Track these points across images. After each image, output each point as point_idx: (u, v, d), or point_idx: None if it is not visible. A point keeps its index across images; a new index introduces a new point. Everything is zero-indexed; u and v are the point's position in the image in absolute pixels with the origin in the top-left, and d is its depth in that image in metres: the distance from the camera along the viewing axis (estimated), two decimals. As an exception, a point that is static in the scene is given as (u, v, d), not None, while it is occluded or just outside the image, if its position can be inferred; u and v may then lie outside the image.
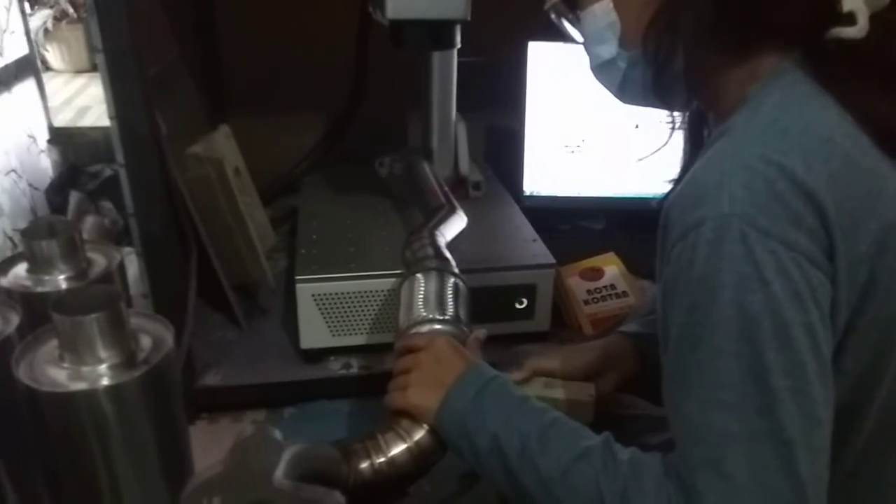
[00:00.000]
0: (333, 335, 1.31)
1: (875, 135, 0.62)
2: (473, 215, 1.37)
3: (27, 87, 1.94)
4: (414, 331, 0.90)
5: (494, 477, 0.72)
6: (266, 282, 1.46)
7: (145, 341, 0.61)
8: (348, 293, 1.28)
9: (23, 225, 1.66)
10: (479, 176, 1.66)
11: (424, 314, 0.93)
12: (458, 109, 1.61)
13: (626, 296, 1.49)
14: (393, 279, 1.28)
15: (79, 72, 3.44)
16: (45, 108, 2.05)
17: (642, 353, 0.90)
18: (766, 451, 0.56)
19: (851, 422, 0.63)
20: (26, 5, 2.06)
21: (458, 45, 1.38)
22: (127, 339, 0.59)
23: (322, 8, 1.73)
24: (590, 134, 1.67)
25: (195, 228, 1.29)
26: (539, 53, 1.62)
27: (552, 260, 1.37)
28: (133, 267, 1.14)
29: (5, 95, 1.79)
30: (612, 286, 1.50)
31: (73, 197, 1.80)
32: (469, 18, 1.22)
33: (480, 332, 0.90)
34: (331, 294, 1.28)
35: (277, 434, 0.59)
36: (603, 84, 0.81)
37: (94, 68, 3.21)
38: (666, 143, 0.80)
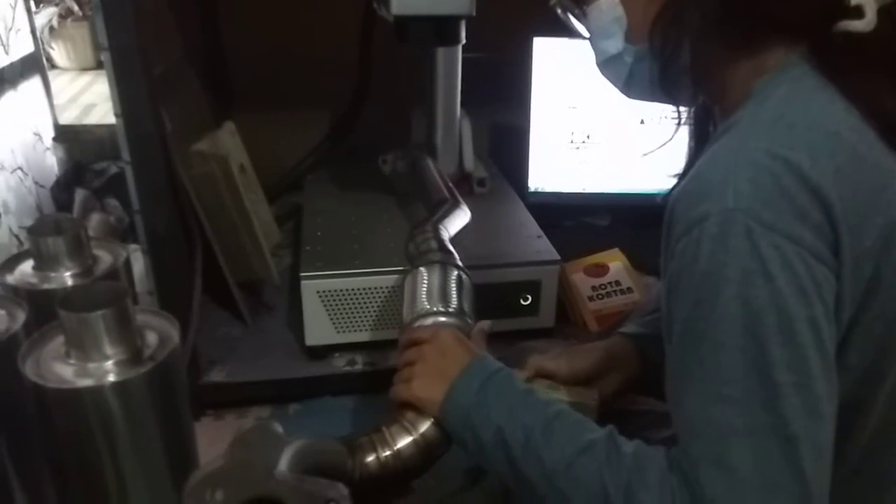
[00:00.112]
0: (338, 332, 1.32)
1: (881, 129, 0.62)
2: (478, 212, 1.37)
3: (33, 84, 1.94)
4: (418, 324, 0.90)
5: (498, 469, 0.72)
6: (271, 279, 1.46)
7: (151, 338, 0.62)
8: (353, 290, 1.29)
9: (29, 222, 1.67)
10: (483, 172, 1.66)
11: (428, 307, 0.93)
12: (463, 106, 1.61)
13: (630, 292, 1.49)
14: (397, 276, 1.28)
15: (84, 69, 3.44)
16: (51, 105, 2.05)
17: (644, 354, 0.90)
18: (770, 445, 0.56)
19: (855, 418, 0.63)
20: (32, 3, 2.06)
21: (463, 41, 1.38)
22: (133, 336, 0.59)
23: (326, 5, 1.73)
24: (595, 130, 1.66)
25: (200, 225, 1.29)
26: (544, 49, 1.61)
27: (557, 256, 1.37)
28: (139, 264, 1.14)
29: (11, 93, 1.80)
30: (617, 282, 1.50)
31: (79, 194, 1.80)
32: (474, 14, 1.22)
33: (485, 324, 0.90)
34: (335, 291, 1.28)
35: (277, 427, 0.59)
36: (609, 79, 0.81)
37: (99, 66, 3.21)
38: (671, 138, 0.80)
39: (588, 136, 1.67)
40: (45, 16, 3.20)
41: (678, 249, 0.61)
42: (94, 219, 1.73)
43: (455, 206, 1.30)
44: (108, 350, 0.57)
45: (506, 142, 1.90)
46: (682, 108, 0.80)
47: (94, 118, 2.74)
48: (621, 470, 0.63)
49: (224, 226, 1.36)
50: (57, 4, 3.27)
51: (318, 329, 1.31)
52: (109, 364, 0.57)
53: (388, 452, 0.76)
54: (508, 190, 1.67)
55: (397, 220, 1.48)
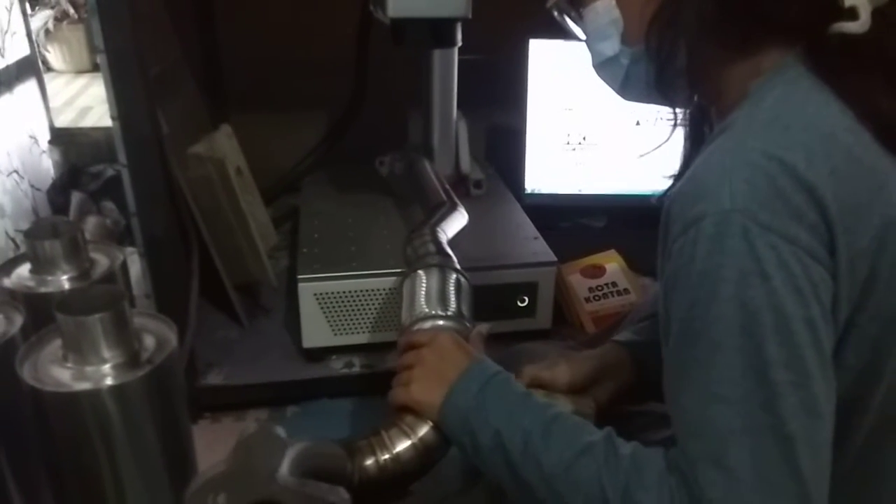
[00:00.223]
0: (335, 334, 1.32)
1: (876, 130, 0.62)
2: (474, 213, 1.38)
3: (28, 87, 1.94)
4: (417, 327, 0.90)
5: (497, 472, 0.72)
6: (268, 281, 1.46)
7: (148, 341, 0.61)
8: (350, 292, 1.29)
9: (25, 226, 1.67)
10: (480, 174, 1.66)
11: (427, 310, 0.93)
12: (459, 107, 1.61)
13: (627, 293, 1.49)
14: (395, 278, 1.28)
15: (80, 72, 3.44)
16: (47, 108, 2.05)
17: (638, 362, 0.90)
18: (768, 445, 0.56)
19: (852, 416, 0.64)
20: (27, 6, 2.06)
21: (459, 44, 1.38)
22: (130, 339, 0.59)
23: (323, 7, 1.73)
24: (591, 131, 1.67)
25: (197, 228, 1.29)
26: (540, 51, 1.62)
27: (553, 258, 1.37)
28: (135, 267, 1.14)
29: (7, 96, 1.79)
30: (614, 283, 1.50)
31: (75, 197, 1.80)
32: (470, 16, 1.22)
33: (483, 327, 0.90)
34: (333, 293, 1.28)
35: (281, 431, 0.59)
36: (605, 81, 0.81)
37: (95, 69, 3.21)
38: (667, 139, 0.80)
39: (584, 138, 1.67)
40: (41, 18, 3.20)
41: (675, 250, 0.61)
42: (91, 222, 1.73)
43: (452, 208, 1.30)
44: (106, 353, 0.57)
45: (502, 143, 1.90)
46: (678, 110, 0.80)
47: (90, 121, 2.74)
48: (619, 471, 0.63)
49: (221, 228, 1.36)
50: (52, 7, 3.27)
51: (316, 331, 1.31)
52: (107, 367, 0.57)
53: (386, 456, 0.76)
54: (505, 191, 1.67)
55: (394, 222, 1.49)
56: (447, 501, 0.96)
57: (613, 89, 0.80)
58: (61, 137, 2.07)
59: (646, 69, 0.73)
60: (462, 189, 1.60)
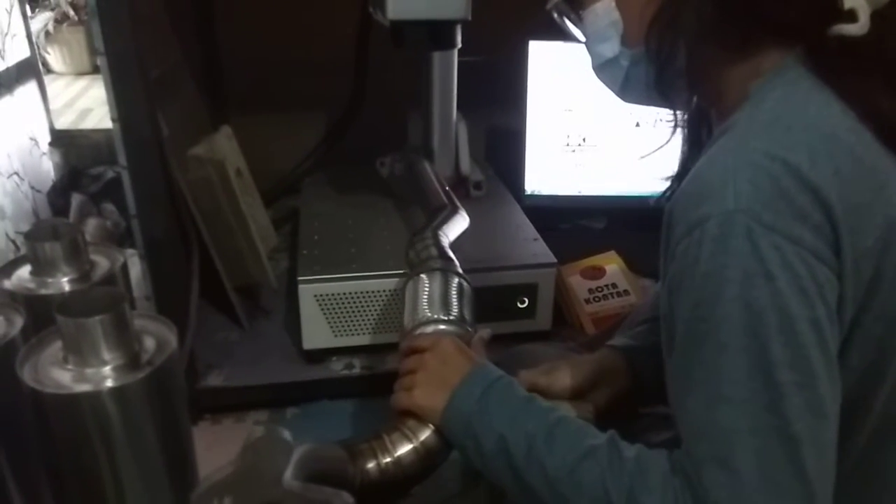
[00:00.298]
0: (336, 335, 1.32)
1: (878, 131, 0.62)
2: (474, 215, 1.38)
3: (29, 89, 1.94)
4: (419, 331, 0.90)
5: (500, 477, 0.72)
6: (268, 282, 1.46)
7: (149, 343, 0.61)
8: (350, 293, 1.29)
9: (25, 227, 1.67)
10: (479, 175, 1.66)
11: (429, 314, 0.93)
12: (459, 109, 1.61)
13: (627, 294, 1.49)
14: (395, 279, 1.28)
15: (80, 74, 3.44)
16: (47, 110, 2.05)
17: (634, 367, 0.90)
18: (773, 446, 0.56)
19: (855, 417, 0.63)
20: (28, 8, 2.06)
21: (459, 45, 1.38)
22: (130, 341, 0.59)
23: (322, 8, 1.73)
24: (590, 133, 1.67)
25: (197, 230, 1.29)
26: (540, 52, 1.62)
27: (553, 259, 1.37)
28: (136, 268, 1.14)
29: (7, 98, 1.80)
30: (614, 285, 1.50)
31: (75, 199, 1.80)
32: (469, 18, 1.22)
33: (485, 332, 0.90)
34: (333, 294, 1.28)
35: (287, 435, 0.59)
36: (605, 83, 0.81)
37: (95, 70, 3.21)
38: (668, 140, 0.80)
39: (584, 139, 1.67)
40: (41, 20, 3.20)
41: (679, 251, 0.61)
42: (91, 224, 1.73)
43: (454, 211, 1.30)
44: (106, 355, 0.57)
45: (502, 145, 1.90)
46: (677, 112, 0.81)
47: (90, 123, 2.74)
48: (623, 474, 0.63)
49: (221, 230, 1.36)
50: (53, 9, 3.27)
51: (316, 333, 1.31)
52: (107, 369, 0.57)
53: (388, 459, 0.76)
54: (505, 193, 1.68)
55: (394, 224, 1.49)
56: (446, 502, 0.96)
57: (613, 91, 0.80)
58: (61, 139, 2.07)
59: (645, 71, 0.73)
60: (462, 190, 1.60)
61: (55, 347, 0.60)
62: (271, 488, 0.54)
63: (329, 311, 1.29)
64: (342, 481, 0.71)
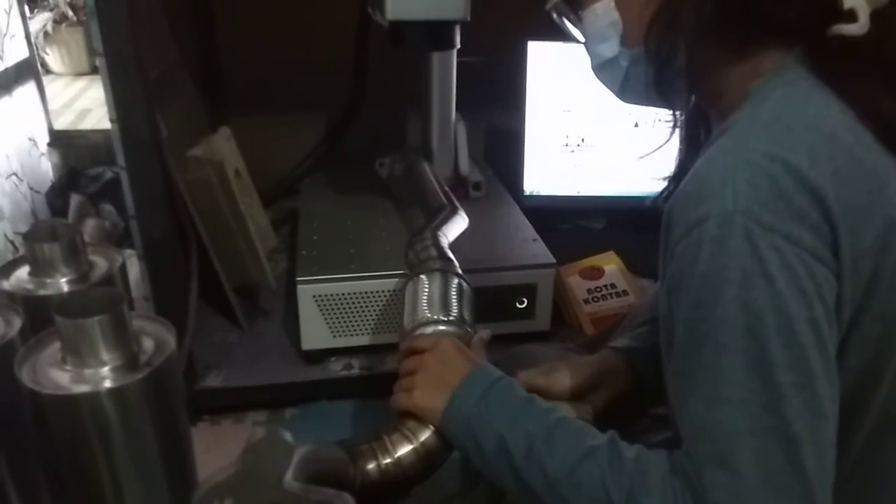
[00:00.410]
0: (334, 336, 1.31)
1: (877, 131, 0.62)
2: (473, 215, 1.38)
3: (27, 90, 1.94)
4: (418, 332, 0.90)
5: (501, 477, 0.72)
6: (267, 283, 1.46)
7: (147, 343, 0.61)
8: (349, 294, 1.29)
9: (24, 228, 1.67)
10: (478, 176, 1.66)
11: (429, 315, 0.93)
12: (458, 109, 1.61)
13: (626, 294, 1.49)
14: (394, 279, 1.28)
15: (79, 75, 3.44)
16: (46, 111, 2.05)
17: (634, 369, 0.90)
18: (773, 446, 0.56)
19: (853, 417, 0.64)
20: (26, 8, 2.06)
21: (458, 46, 1.38)
22: (129, 342, 0.59)
23: (321, 9, 1.73)
24: (589, 133, 1.67)
25: (196, 230, 1.29)
26: (539, 53, 1.62)
27: (552, 259, 1.37)
28: (134, 269, 1.14)
29: (6, 99, 1.79)
30: (613, 285, 1.50)
31: (74, 200, 1.80)
32: (468, 19, 1.22)
33: (485, 333, 0.90)
34: (332, 295, 1.28)
35: (288, 436, 0.59)
36: (604, 83, 0.81)
37: (94, 71, 3.21)
38: (667, 141, 0.80)
39: (583, 140, 1.67)
40: (40, 21, 3.20)
41: (678, 251, 0.61)
42: (90, 224, 1.73)
43: (453, 212, 1.30)
44: (105, 356, 0.57)
45: (501, 145, 1.90)
46: (677, 112, 0.80)
47: (89, 123, 2.74)
48: (623, 475, 0.63)
49: (220, 231, 1.36)
50: (51, 10, 3.27)
51: (315, 333, 1.31)
52: (106, 370, 0.57)
53: (388, 460, 0.76)
54: (504, 193, 1.68)
55: (393, 224, 1.49)
56: (446, 502, 0.96)
57: (612, 91, 0.80)
58: (60, 140, 2.06)
59: (645, 71, 0.73)
60: (461, 191, 1.60)
61: (54, 348, 0.60)
62: (272, 490, 0.54)
63: (328, 311, 1.29)
64: (343, 482, 0.71)
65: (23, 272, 0.72)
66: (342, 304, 1.29)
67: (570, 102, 1.64)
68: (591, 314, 1.46)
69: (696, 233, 0.59)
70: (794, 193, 0.57)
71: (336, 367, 1.35)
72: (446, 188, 1.43)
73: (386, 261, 1.31)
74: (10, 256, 1.57)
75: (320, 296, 1.28)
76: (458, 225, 1.29)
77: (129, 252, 1.18)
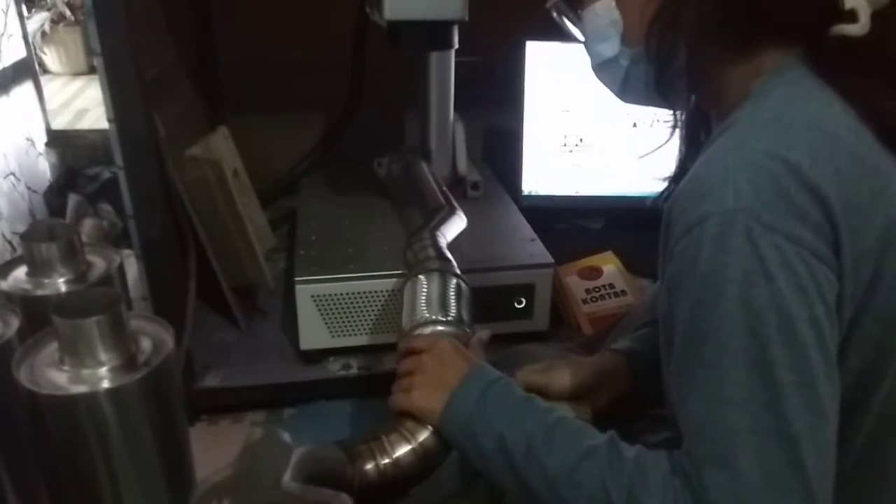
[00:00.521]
0: (333, 336, 1.31)
1: (879, 130, 0.62)
2: (472, 215, 1.38)
3: (25, 90, 1.93)
4: (417, 332, 0.90)
5: (500, 477, 0.72)
6: (265, 283, 1.46)
7: (145, 343, 0.61)
8: (347, 294, 1.28)
9: (21, 228, 1.66)
10: (477, 176, 1.66)
11: (427, 315, 0.93)
12: (456, 109, 1.61)
13: (624, 294, 1.49)
14: (392, 279, 1.28)
15: (77, 74, 3.44)
16: (43, 110, 2.05)
17: (635, 371, 0.90)
18: (773, 446, 0.56)
19: (853, 417, 0.63)
20: (24, 8, 2.05)
21: (456, 46, 1.38)
22: (127, 342, 0.59)
23: (319, 9, 1.73)
24: (587, 133, 1.67)
25: (194, 230, 1.29)
26: (537, 53, 1.62)
27: (550, 259, 1.37)
28: (132, 269, 1.13)
29: (3, 99, 1.79)
30: (611, 285, 1.50)
31: (72, 200, 1.79)
32: (466, 19, 1.22)
33: (483, 334, 0.90)
34: (330, 295, 1.28)
35: (286, 437, 0.59)
36: (604, 83, 0.81)
37: (91, 71, 3.21)
38: (667, 140, 0.80)
39: (581, 140, 1.67)
40: (38, 21, 3.20)
41: (678, 250, 0.61)
42: (88, 224, 1.72)
43: (451, 212, 1.30)
44: (103, 356, 0.57)
45: (499, 145, 1.90)
46: (678, 112, 0.80)
47: (86, 123, 2.74)
48: (623, 474, 0.63)
49: (218, 230, 1.36)
50: (49, 9, 3.27)
51: (313, 333, 1.30)
52: (104, 370, 0.57)
53: (386, 460, 0.76)
54: (502, 193, 1.68)
55: (392, 224, 1.48)
56: (444, 502, 0.96)
57: (612, 91, 0.80)
58: (58, 140, 2.06)
59: (645, 70, 0.73)
60: (459, 191, 1.60)
61: (51, 348, 0.59)
62: (270, 490, 0.54)
63: (326, 311, 1.29)
64: (341, 482, 0.71)
65: (20, 272, 0.72)
66: (340, 303, 1.29)
67: (569, 102, 1.64)
68: (590, 314, 1.46)
69: (697, 231, 0.59)
70: (795, 192, 0.57)
71: (334, 367, 1.34)
72: (444, 188, 1.43)
73: (384, 261, 1.31)
74: (7, 256, 1.57)
75: (319, 296, 1.28)
76: (456, 225, 1.29)
77: (126, 252, 1.18)
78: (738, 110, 0.65)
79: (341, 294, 1.28)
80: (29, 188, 1.84)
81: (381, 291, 1.29)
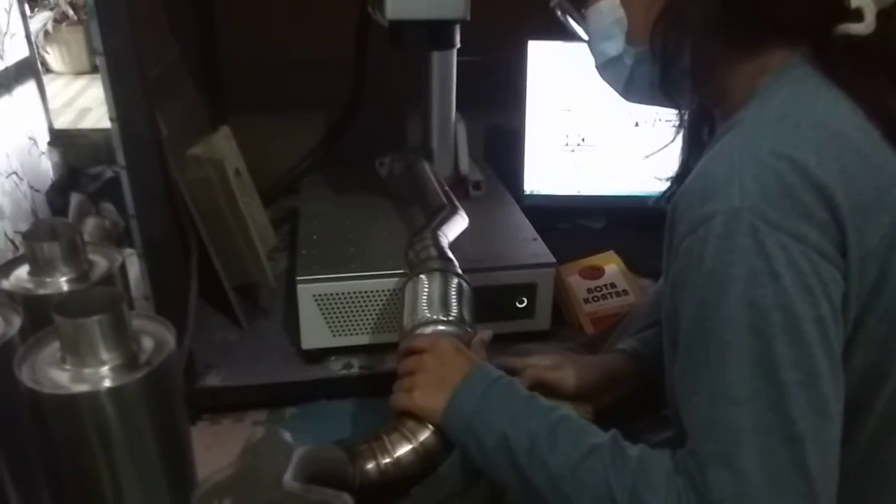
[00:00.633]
0: (334, 335, 1.31)
1: (885, 129, 0.62)
2: (473, 214, 1.37)
3: (28, 89, 1.94)
4: (418, 332, 0.90)
5: (502, 475, 0.72)
6: (267, 282, 1.46)
7: (147, 343, 0.61)
8: (349, 293, 1.28)
9: (24, 227, 1.66)
10: (479, 175, 1.66)
11: (429, 315, 0.93)
12: (458, 109, 1.61)
13: (626, 294, 1.49)
14: (394, 279, 1.28)
15: (79, 74, 3.44)
16: (46, 110, 2.05)
17: (643, 372, 0.90)
18: (777, 445, 0.56)
19: (856, 417, 0.63)
20: (27, 7, 2.06)
21: (458, 45, 1.38)
22: (129, 341, 0.59)
23: (321, 8, 1.73)
24: (589, 133, 1.67)
25: (196, 230, 1.29)
26: (539, 52, 1.62)
27: (552, 259, 1.37)
28: (134, 268, 1.13)
29: (6, 98, 1.79)
30: (613, 284, 1.50)
31: (74, 199, 1.80)
32: (468, 18, 1.22)
33: (486, 334, 0.89)
34: (332, 294, 1.28)
35: (287, 436, 0.59)
36: (608, 82, 0.80)
37: (94, 70, 3.21)
38: (672, 140, 0.80)
39: (583, 139, 1.67)
40: (40, 20, 3.20)
41: (683, 248, 0.61)
42: (90, 223, 1.73)
43: (453, 211, 1.30)
44: (104, 355, 0.57)
45: (501, 145, 1.90)
46: (682, 111, 0.80)
47: (89, 122, 2.75)
48: (626, 472, 0.63)
49: (220, 230, 1.36)
50: (52, 9, 3.27)
51: (315, 333, 1.30)
52: (105, 369, 0.57)
53: (387, 460, 0.76)
54: (504, 193, 1.67)
55: (393, 224, 1.48)
56: (447, 503, 0.96)
57: (616, 90, 0.80)
58: (60, 139, 2.06)
59: (650, 70, 0.73)
60: (461, 190, 1.60)
61: (53, 348, 0.59)
62: (271, 489, 0.54)
63: (328, 311, 1.29)
64: (342, 482, 0.71)
65: (22, 271, 0.72)
66: (342, 303, 1.29)
67: (571, 102, 1.64)
68: (591, 314, 1.45)
69: (703, 230, 0.59)
70: (801, 191, 0.57)
71: (336, 367, 1.34)
72: (446, 188, 1.43)
73: (386, 260, 1.31)
74: (9, 255, 1.57)
75: (320, 295, 1.28)
76: (458, 224, 1.29)
77: (128, 251, 1.18)
78: (744, 109, 0.65)
79: (343, 293, 1.28)
80: (31, 187, 1.84)
81: (383, 291, 1.29)
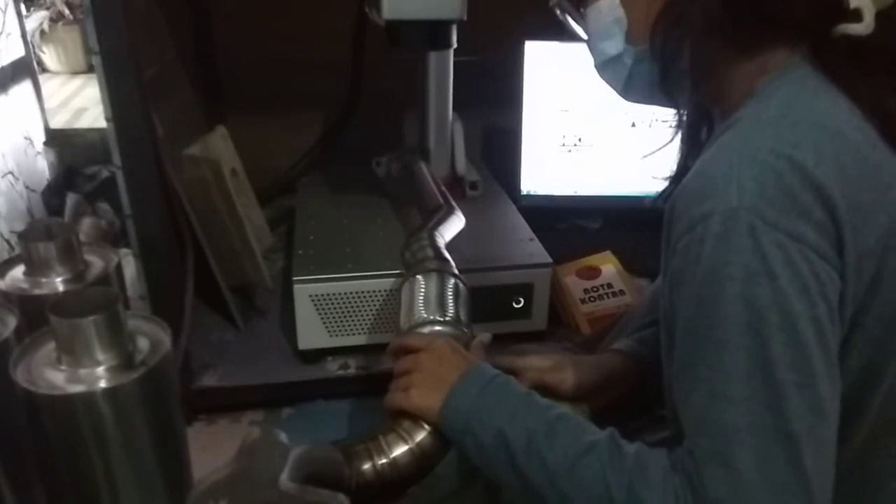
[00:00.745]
0: (331, 335, 1.31)
1: (884, 130, 0.62)
2: (470, 214, 1.37)
3: (23, 88, 1.93)
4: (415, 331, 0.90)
5: (500, 472, 0.72)
6: (263, 282, 1.46)
7: (143, 343, 0.61)
8: (346, 293, 1.28)
9: (20, 227, 1.66)
10: (475, 175, 1.66)
11: (425, 316, 0.93)
12: (455, 109, 1.61)
13: (622, 294, 1.49)
14: (390, 279, 1.28)
15: (75, 73, 3.44)
16: (42, 109, 2.05)
17: (641, 373, 0.90)
18: (773, 444, 0.56)
19: (851, 418, 0.64)
20: (22, 7, 2.05)
21: (455, 45, 1.38)
22: (124, 342, 0.59)
23: (318, 8, 1.73)
24: (586, 133, 1.67)
25: (192, 230, 1.29)
26: (536, 52, 1.62)
27: (549, 259, 1.37)
28: (130, 268, 1.13)
29: (2, 97, 1.79)
30: (609, 285, 1.50)
31: (70, 199, 1.79)
32: (465, 18, 1.22)
33: (485, 337, 0.89)
34: (328, 294, 1.28)
35: (283, 437, 0.59)
36: (607, 82, 0.80)
37: (90, 70, 3.20)
38: (671, 140, 0.80)
39: (580, 139, 1.67)
40: (36, 19, 3.20)
41: (680, 247, 0.61)
42: (86, 223, 1.72)
43: (450, 212, 1.30)
44: (100, 356, 0.57)
45: (498, 145, 1.90)
46: (681, 111, 0.80)
47: (85, 122, 2.74)
48: (623, 470, 0.63)
49: (216, 230, 1.36)
50: (48, 8, 3.26)
51: (311, 333, 1.30)
52: (101, 370, 0.57)
53: (384, 461, 0.76)
54: (500, 193, 1.67)
55: (390, 224, 1.48)
56: (443, 503, 0.95)
57: (616, 90, 0.80)
58: (56, 139, 2.06)
59: (649, 69, 0.73)
60: (458, 190, 1.60)
61: (49, 348, 0.59)
62: (267, 490, 0.54)
63: (324, 311, 1.29)
64: (338, 483, 0.71)
65: (18, 271, 0.72)
66: (339, 303, 1.29)
67: (568, 102, 1.64)
68: (588, 314, 1.45)
69: (700, 229, 0.59)
70: (800, 190, 0.57)
71: (332, 367, 1.34)
72: (443, 188, 1.43)
73: (383, 260, 1.31)
74: (5, 255, 1.57)
75: (317, 295, 1.27)
76: (454, 224, 1.29)
77: (124, 251, 1.18)
78: (742, 109, 0.65)
79: (339, 294, 1.28)
80: (27, 187, 1.84)
81: (380, 291, 1.29)
